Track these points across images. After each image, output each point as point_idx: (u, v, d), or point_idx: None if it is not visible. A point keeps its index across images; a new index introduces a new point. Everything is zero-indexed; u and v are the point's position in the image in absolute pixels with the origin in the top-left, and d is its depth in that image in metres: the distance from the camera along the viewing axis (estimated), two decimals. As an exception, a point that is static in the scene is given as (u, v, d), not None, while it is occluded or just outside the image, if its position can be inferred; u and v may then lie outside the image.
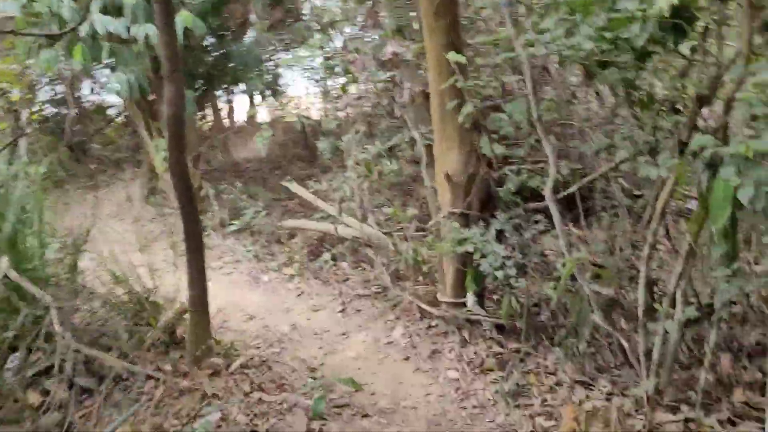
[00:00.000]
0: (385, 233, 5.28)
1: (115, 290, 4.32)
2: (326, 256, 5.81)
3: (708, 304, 3.25)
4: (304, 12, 11.02)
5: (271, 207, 8.30)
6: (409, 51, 4.71)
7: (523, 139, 4.06)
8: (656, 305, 2.74)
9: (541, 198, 3.95)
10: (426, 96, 5.61)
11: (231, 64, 7.10)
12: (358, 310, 4.84)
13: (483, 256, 3.60)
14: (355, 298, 5.05)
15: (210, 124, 12.11)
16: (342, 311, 4.89)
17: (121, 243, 7.73)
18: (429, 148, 4.95)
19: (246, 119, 13.85)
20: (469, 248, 3.54)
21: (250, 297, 5.62)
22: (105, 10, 6.34)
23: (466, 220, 3.84)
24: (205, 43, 7.17)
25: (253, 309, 5.33)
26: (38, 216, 4.22)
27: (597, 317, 2.89)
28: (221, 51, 6.97)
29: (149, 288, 4.36)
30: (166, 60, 3.37)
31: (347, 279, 5.51)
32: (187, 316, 3.98)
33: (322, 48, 6.37)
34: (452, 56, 3.57)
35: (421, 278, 4.53)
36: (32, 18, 6.66)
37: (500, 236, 3.79)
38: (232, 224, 6.69)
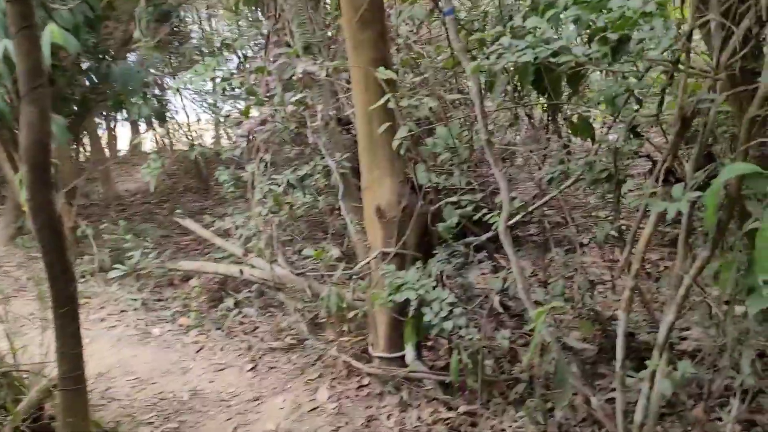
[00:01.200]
0: (298, 274, 4.66)
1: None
2: (229, 302, 5.08)
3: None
4: (192, 34, 10.25)
5: (161, 246, 7.42)
6: (322, 70, 4.18)
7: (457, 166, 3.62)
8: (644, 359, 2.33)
9: (476, 232, 3.54)
10: (340, 120, 5.10)
11: (111, 88, 6.24)
12: (272, 367, 4.16)
13: (423, 303, 3.09)
14: (267, 352, 4.37)
15: (87, 153, 10.93)
16: (252, 369, 4.19)
17: (-22, 295, 6.57)
18: (345, 176, 4.44)
19: (129, 148, 12.72)
20: (409, 295, 3.02)
21: (139, 356, 4.78)
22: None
23: (401, 261, 3.32)
24: (82, 63, 6.27)
25: (144, 371, 4.51)
26: None
27: (574, 378, 2.45)
28: (99, 72, 6.10)
29: (4, 357, 3.49)
30: (24, 74, 2.62)
31: (256, 329, 4.81)
32: (57, 392, 3.16)
33: (215, 71, 5.69)
34: (382, 72, 3.08)
35: (345, 328, 3.95)
36: None
37: (439, 278, 3.31)
38: (116, 269, 5.79)
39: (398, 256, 3.31)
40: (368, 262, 3.43)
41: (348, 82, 4.07)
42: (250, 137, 5.25)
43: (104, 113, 8.75)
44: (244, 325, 4.90)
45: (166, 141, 10.78)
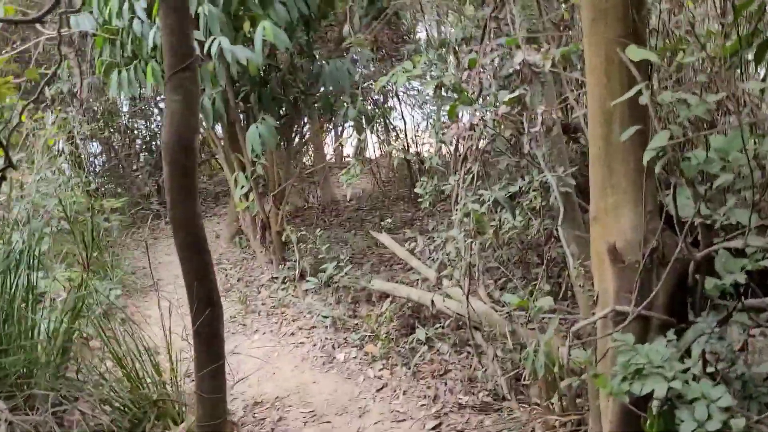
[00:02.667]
0: (501, 313, 3.80)
1: (123, 384, 3.12)
2: (420, 333, 4.38)
3: None
4: (418, 36, 9.84)
5: (362, 256, 7.04)
6: (546, 59, 3.26)
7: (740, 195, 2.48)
8: None
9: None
10: (566, 127, 4.13)
11: (322, 88, 5.95)
12: (459, 431, 3.35)
13: (677, 397, 2.04)
14: (455, 409, 3.56)
15: (310, 156, 11.16)
16: (435, 429, 3.42)
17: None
18: (567, 197, 3.50)
19: (336, 153, 12.79)
20: (656, 388, 1.98)
21: (319, 383, 4.30)
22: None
23: (643, 327, 2.28)
24: (296, 63, 6.07)
25: (320, 403, 4.00)
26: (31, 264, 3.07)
27: None
28: (312, 72, 5.83)
29: (164, 383, 3.14)
30: (168, 53, 2.16)
31: (446, 372, 4.04)
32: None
33: (423, 69, 5.04)
34: (634, 52, 2.09)
35: (556, 399, 2.98)
36: (112, 36, 5.91)
37: (703, 361, 2.22)
38: (308, 281, 5.44)
39: (639, 320, 2.27)
40: (591, 323, 2.43)
41: (583, 74, 3.11)
42: (458, 144, 4.51)
43: (321, 116, 8.64)
44: (434, 365, 4.14)
45: (384, 147, 10.56)
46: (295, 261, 6.25)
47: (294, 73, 5.89)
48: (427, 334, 4.33)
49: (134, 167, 12.14)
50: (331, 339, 4.92)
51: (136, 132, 12.39)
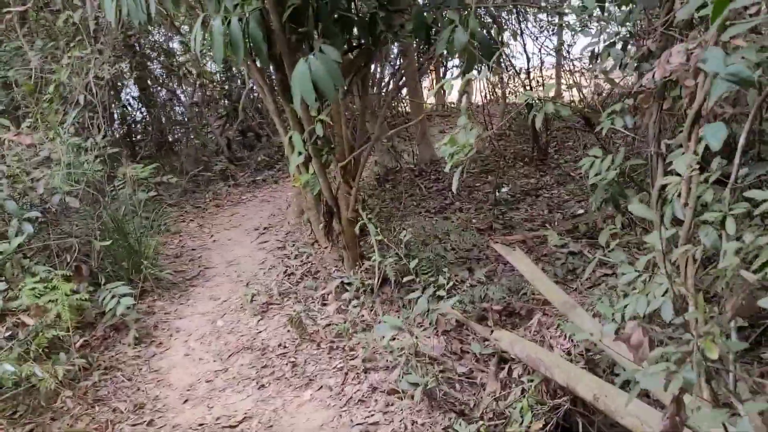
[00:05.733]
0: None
1: None
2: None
3: None
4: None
5: (472, 248, 4.95)
6: None
7: None
8: None
9: None
10: None
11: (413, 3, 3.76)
12: None
13: None
14: None
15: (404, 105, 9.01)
16: None
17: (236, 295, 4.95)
18: None
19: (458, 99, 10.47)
20: None
21: None
22: None
23: None
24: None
25: None
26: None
27: None
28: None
29: None
30: None
31: None
32: None
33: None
34: None
35: None
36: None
37: None
38: (384, 322, 3.39)
39: None
40: None
41: None
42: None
43: (427, 45, 6.38)
44: None
45: (495, 89, 8.25)
46: (373, 264, 4.28)
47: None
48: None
49: (203, 120, 10.47)
50: (424, 426, 2.92)
51: (207, 77, 10.66)
